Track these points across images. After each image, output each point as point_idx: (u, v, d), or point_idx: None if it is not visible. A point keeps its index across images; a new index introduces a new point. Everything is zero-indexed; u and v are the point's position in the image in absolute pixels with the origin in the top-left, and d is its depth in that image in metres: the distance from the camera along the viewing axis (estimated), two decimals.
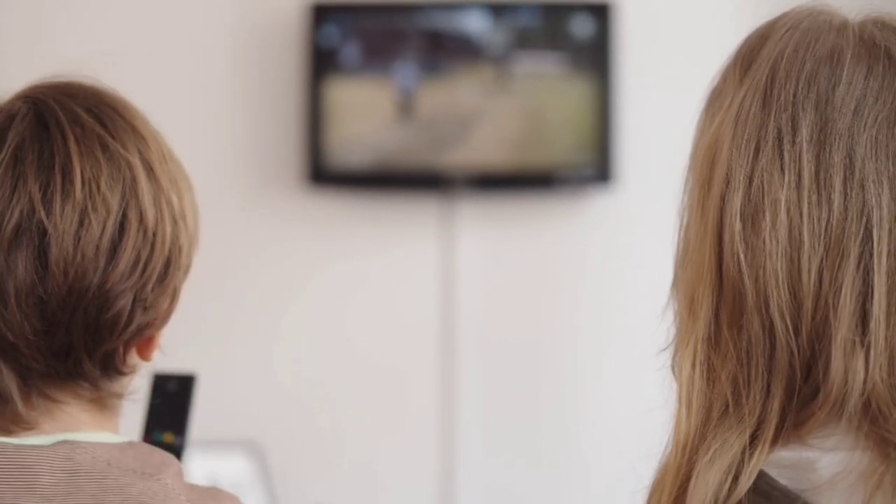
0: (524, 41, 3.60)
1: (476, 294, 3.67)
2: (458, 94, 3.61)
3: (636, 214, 3.66)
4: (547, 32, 3.60)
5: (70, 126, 1.17)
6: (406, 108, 3.61)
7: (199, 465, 3.17)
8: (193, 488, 1.17)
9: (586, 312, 3.68)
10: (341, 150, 3.60)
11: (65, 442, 1.14)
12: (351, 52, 3.61)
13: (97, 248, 1.14)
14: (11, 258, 1.13)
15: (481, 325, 3.67)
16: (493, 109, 3.61)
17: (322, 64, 3.59)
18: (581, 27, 3.59)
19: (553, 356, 3.69)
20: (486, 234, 3.67)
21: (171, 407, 1.41)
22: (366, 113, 3.62)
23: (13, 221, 1.14)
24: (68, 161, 1.15)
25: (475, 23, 3.61)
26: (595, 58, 3.58)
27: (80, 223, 1.14)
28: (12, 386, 1.15)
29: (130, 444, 1.18)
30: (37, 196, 1.14)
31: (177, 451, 1.40)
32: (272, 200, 3.68)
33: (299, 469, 3.63)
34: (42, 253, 1.13)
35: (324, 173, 3.60)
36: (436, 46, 3.61)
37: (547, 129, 3.61)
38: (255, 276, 3.68)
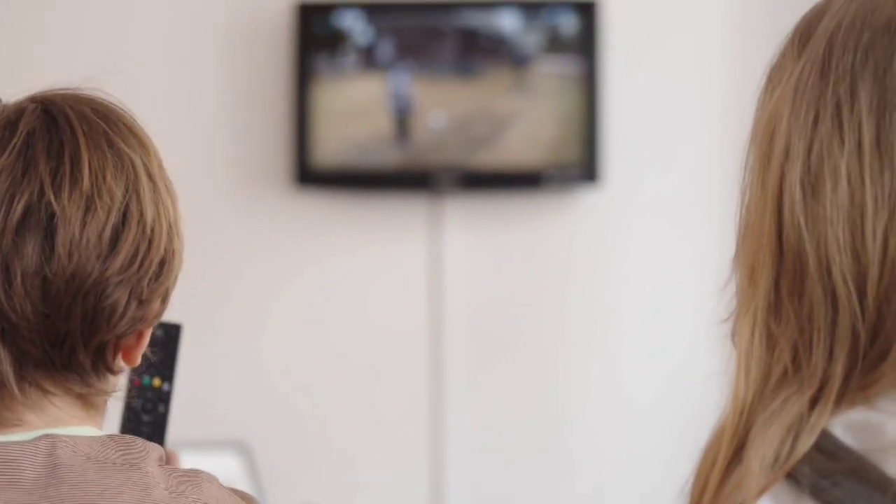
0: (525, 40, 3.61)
1: (463, 293, 3.67)
2: (451, 94, 3.62)
3: (622, 213, 3.67)
4: (538, 32, 3.61)
5: (78, 121, 1.21)
6: (401, 112, 3.62)
7: (187, 465, 3.18)
8: (171, 474, 1.19)
9: (573, 310, 3.69)
10: (328, 151, 3.60)
11: (46, 436, 1.17)
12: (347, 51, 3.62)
13: (101, 236, 1.17)
14: (20, 238, 1.16)
15: (469, 324, 3.68)
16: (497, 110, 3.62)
17: (309, 64, 3.59)
18: (565, 25, 3.60)
19: (541, 354, 3.70)
20: (474, 233, 3.68)
21: (159, 353, 1.46)
22: (353, 113, 3.63)
23: (23, 203, 1.16)
24: (77, 151, 1.19)
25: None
26: (580, 57, 3.59)
27: (87, 209, 1.17)
28: (9, 371, 1.17)
29: (111, 437, 1.20)
30: (47, 180, 1.17)
31: (165, 396, 1.50)
32: (259, 201, 3.68)
33: (287, 469, 3.64)
34: (49, 234, 1.16)
35: (310, 174, 3.61)
36: (425, 44, 3.62)
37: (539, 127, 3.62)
38: (241, 277, 3.68)
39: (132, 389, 1.48)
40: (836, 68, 1.03)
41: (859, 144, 1.01)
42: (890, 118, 1.01)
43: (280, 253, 3.69)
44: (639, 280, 3.67)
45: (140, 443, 1.19)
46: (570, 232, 3.69)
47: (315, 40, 3.60)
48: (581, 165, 3.60)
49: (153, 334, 1.38)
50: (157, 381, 1.50)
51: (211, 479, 1.21)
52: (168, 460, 1.32)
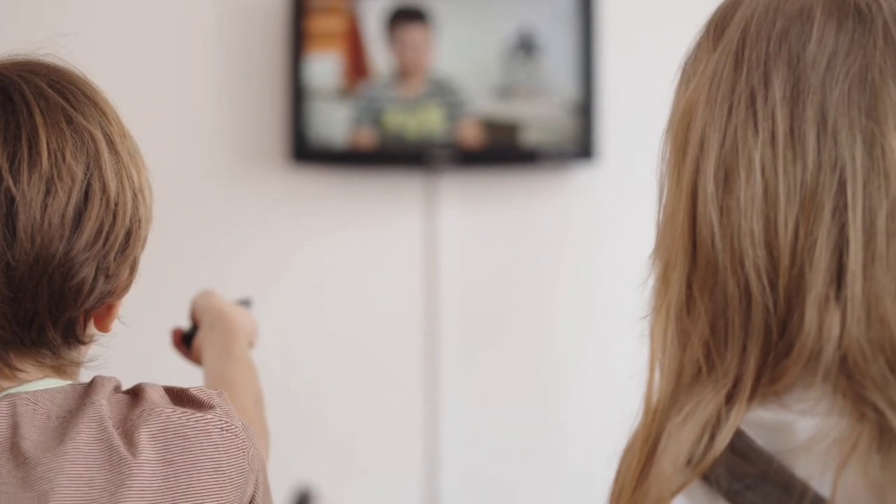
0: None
1: (459, 269, 3.68)
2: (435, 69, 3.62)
3: (617, 190, 3.67)
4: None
5: (35, 99, 1.19)
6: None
7: None
8: (115, 404, 1.20)
9: (568, 287, 3.70)
10: (324, 127, 3.60)
11: (6, 396, 1.18)
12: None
13: (63, 216, 1.17)
14: None
15: (464, 300, 3.68)
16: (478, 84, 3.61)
17: (304, 39, 3.59)
18: (562, 4, 3.59)
19: (535, 331, 3.70)
20: (469, 209, 3.68)
21: None
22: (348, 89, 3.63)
23: None
24: (34, 132, 1.17)
25: None
26: (576, 34, 3.59)
27: (47, 192, 1.16)
28: None
29: (72, 385, 1.21)
30: (5, 165, 1.16)
31: None
32: (255, 178, 3.68)
33: (283, 448, 3.63)
34: (10, 220, 1.15)
35: (307, 150, 3.61)
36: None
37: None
38: (238, 254, 3.68)
39: None
40: (749, 57, 1.03)
41: (773, 134, 1.00)
42: (803, 107, 1.00)
43: (276, 230, 3.69)
44: (633, 257, 3.67)
45: (94, 381, 1.21)
46: (566, 209, 3.69)
47: (309, 15, 3.60)
48: (576, 142, 3.59)
49: None
50: None
51: (152, 387, 1.22)
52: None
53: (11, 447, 1.15)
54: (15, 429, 1.16)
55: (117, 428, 1.17)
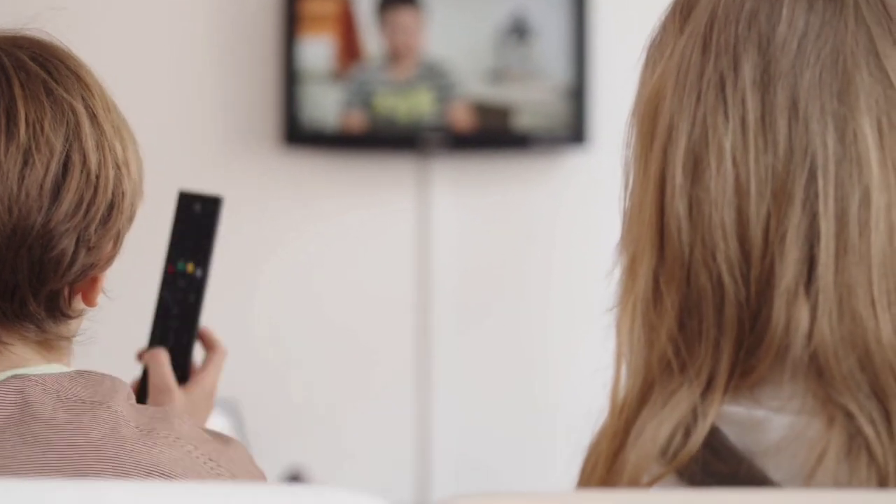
0: None
1: (451, 253, 3.68)
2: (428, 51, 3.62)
3: (610, 174, 3.65)
4: None
5: (15, 71, 1.19)
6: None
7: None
8: (141, 413, 1.19)
9: (560, 272, 3.70)
10: (316, 110, 3.60)
11: (14, 377, 1.18)
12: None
13: (41, 187, 1.16)
14: None
15: (456, 285, 3.68)
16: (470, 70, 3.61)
17: (297, 21, 3.58)
18: None
19: (528, 315, 3.70)
20: (461, 193, 3.68)
21: (195, 232, 1.42)
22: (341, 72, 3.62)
23: None
24: (13, 104, 1.17)
25: None
26: (570, 18, 3.59)
27: (25, 163, 1.16)
28: None
29: (79, 372, 1.20)
30: None
31: (198, 283, 1.43)
32: (247, 160, 3.68)
33: (275, 430, 3.64)
34: None
35: (299, 133, 3.60)
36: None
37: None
38: (229, 236, 3.66)
39: (166, 277, 1.42)
40: (717, 40, 0.99)
41: (743, 121, 0.97)
42: (774, 92, 0.97)
43: (267, 213, 3.69)
44: None
45: (108, 380, 1.20)
46: (558, 193, 3.69)
47: None
48: (569, 127, 3.59)
49: (190, 210, 1.40)
50: (190, 267, 1.42)
51: (181, 416, 1.21)
52: (206, 341, 1.42)
53: (20, 423, 1.15)
54: (25, 406, 1.15)
55: (140, 429, 1.17)
